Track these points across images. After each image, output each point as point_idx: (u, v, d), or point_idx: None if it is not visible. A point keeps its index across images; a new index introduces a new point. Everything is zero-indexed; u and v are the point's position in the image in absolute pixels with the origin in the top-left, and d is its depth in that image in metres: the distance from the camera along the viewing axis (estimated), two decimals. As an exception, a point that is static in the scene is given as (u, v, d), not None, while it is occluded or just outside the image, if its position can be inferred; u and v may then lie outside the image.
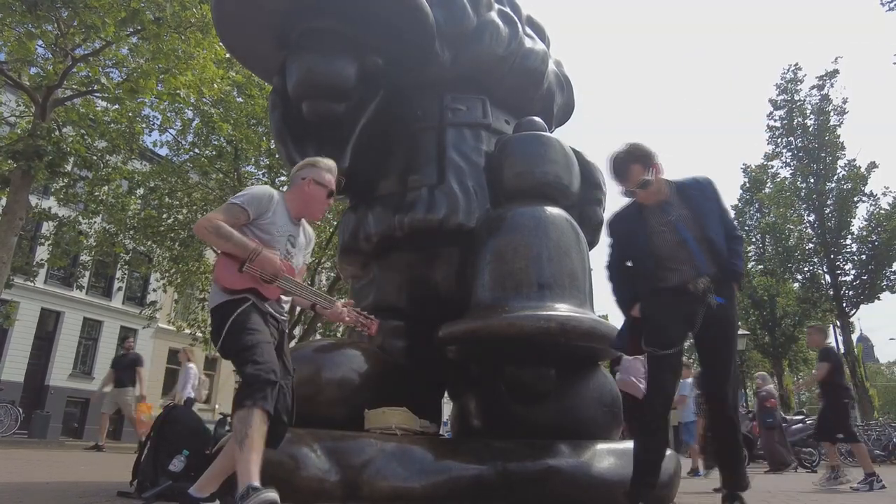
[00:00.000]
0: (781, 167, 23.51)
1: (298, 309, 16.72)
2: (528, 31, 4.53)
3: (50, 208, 13.31)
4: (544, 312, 3.20)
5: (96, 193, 13.49)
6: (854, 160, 21.35)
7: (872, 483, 5.46)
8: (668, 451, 3.44)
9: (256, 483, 1.99)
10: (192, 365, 9.56)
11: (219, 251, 2.49)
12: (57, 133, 10.94)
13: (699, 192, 2.91)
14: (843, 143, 21.58)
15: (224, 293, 2.39)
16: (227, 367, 25.96)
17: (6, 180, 10.63)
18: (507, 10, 4.37)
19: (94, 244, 14.98)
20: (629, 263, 3.03)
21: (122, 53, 11.22)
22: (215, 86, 11.39)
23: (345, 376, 3.24)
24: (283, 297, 2.53)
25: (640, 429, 2.87)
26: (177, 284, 16.39)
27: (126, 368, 9.98)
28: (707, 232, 2.81)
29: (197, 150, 15.42)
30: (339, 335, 18.17)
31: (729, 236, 2.86)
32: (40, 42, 10.19)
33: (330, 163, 2.81)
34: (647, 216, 2.90)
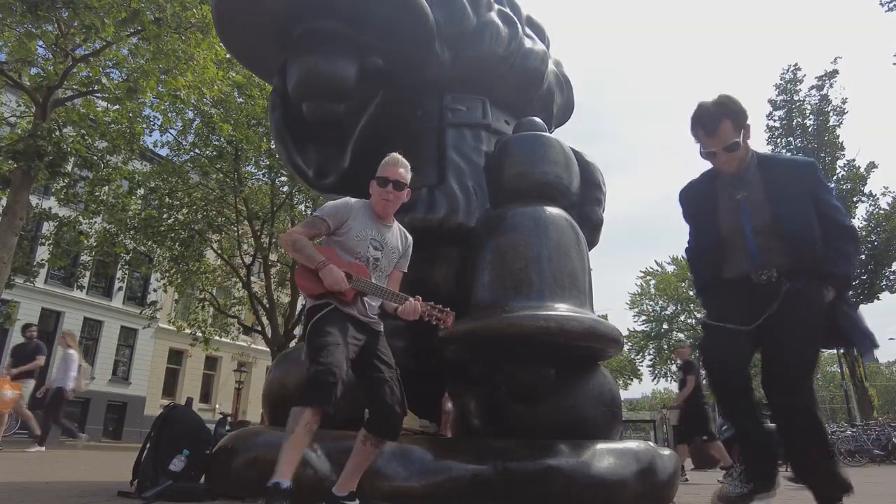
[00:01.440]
0: (781, 167, 23.51)
1: (298, 308, 16.74)
2: (528, 31, 4.54)
3: (50, 208, 13.34)
4: (544, 312, 3.21)
5: (97, 193, 13.52)
6: (853, 160, 21.38)
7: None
8: (668, 451, 3.47)
9: (285, 483, 2.10)
10: (72, 351, 8.87)
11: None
12: (57, 133, 10.96)
13: (787, 172, 2.44)
14: (842, 144, 21.62)
15: (311, 298, 2.53)
16: (227, 367, 25.98)
17: (7, 180, 10.65)
18: (507, 10, 4.38)
19: (95, 244, 15.00)
20: (698, 242, 2.67)
21: (122, 54, 11.24)
22: (215, 86, 11.41)
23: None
24: (367, 299, 2.59)
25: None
26: (177, 284, 16.41)
27: (26, 359, 8.81)
28: (777, 221, 2.36)
29: (197, 151, 15.46)
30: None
31: (830, 229, 2.38)
32: (41, 42, 10.22)
33: (390, 157, 2.87)
34: (720, 189, 2.52)
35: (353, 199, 2.76)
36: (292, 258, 17.28)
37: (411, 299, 2.57)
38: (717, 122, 2.38)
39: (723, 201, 2.50)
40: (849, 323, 2.33)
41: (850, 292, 2.45)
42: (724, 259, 2.48)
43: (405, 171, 2.80)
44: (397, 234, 2.82)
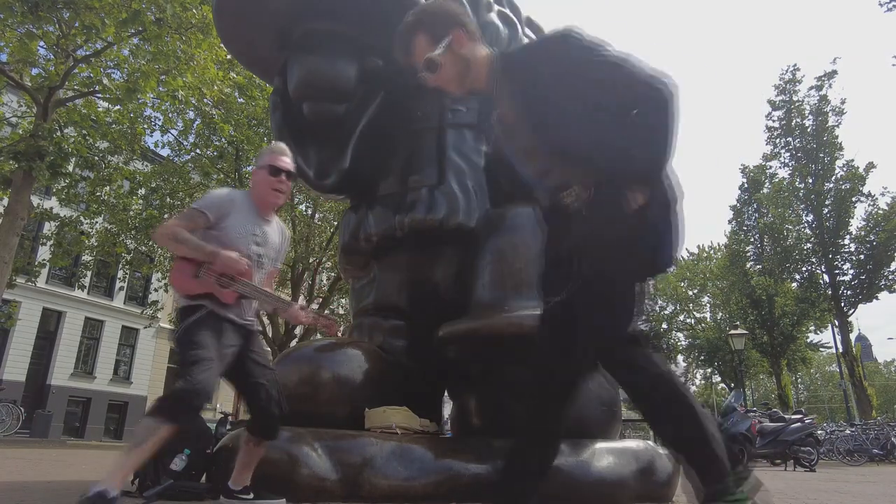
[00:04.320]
0: (780, 167, 23.62)
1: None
2: (528, 32, 4.55)
3: (52, 208, 13.37)
4: (543, 312, 3.22)
5: (98, 194, 13.54)
6: (852, 160, 21.46)
7: None
8: (667, 450, 3.48)
9: (113, 493, 1.98)
10: None
11: (176, 256, 2.48)
12: (58, 134, 10.98)
13: (534, 63, 1.78)
14: (841, 144, 21.68)
15: (187, 298, 2.41)
16: (227, 367, 25.98)
17: (8, 181, 10.67)
18: (507, 11, 4.40)
19: (96, 244, 15.02)
20: None
21: (123, 54, 11.25)
22: (216, 87, 11.42)
23: (346, 375, 3.27)
24: (244, 300, 2.50)
25: None
26: (178, 284, 16.40)
27: None
28: (540, 137, 1.77)
29: (198, 151, 15.47)
30: (339, 334, 18.19)
31: (629, 105, 1.72)
32: (42, 43, 10.23)
33: (272, 145, 2.76)
34: (491, 106, 2.00)
35: (235, 192, 2.63)
36: (291, 258, 16.96)
37: (296, 305, 2.56)
38: (409, 36, 1.86)
39: (493, 123, 1.96)
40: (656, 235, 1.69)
41: (664, 183, 1.69)
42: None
43: (291, 161, 2.70)
44: (276, 230, 2.71)
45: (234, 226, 2.50)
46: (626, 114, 1.71)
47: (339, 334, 2.63)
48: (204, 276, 2.38)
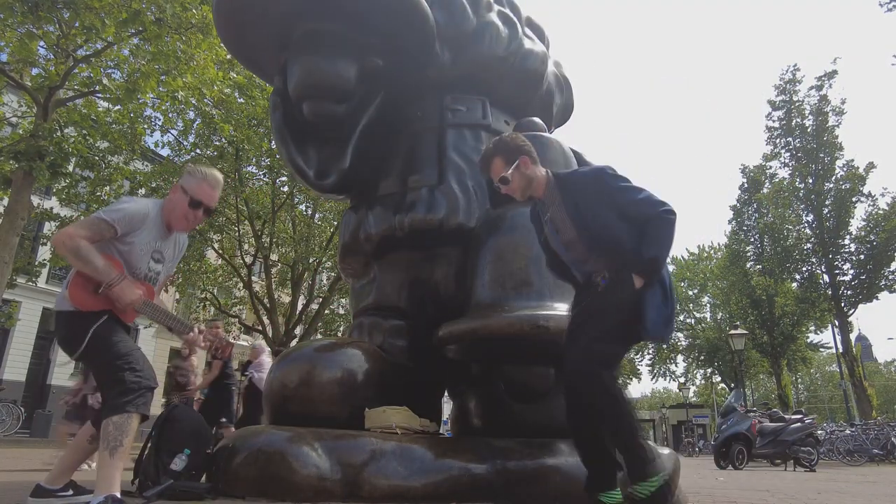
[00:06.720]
0: (780, 167, 23.64)
1: (299, 308, 16.75)
2: (528, 32, 4.56)
3: (52, 208, 13.35)
4: (543, 312, 3.22)
5: (98, 194, 13.52)
6: (852, 160, 21.45)
7: None
8: (667, 450, 3.48)
9: (119, 494, 2.09)
10: None
11: (76, 270, 2.45)
12: (59, 133, 10.96)
13: (581, 187, 2.54)
14: (841, 144, 21.69)
15: (84, 308, 2.42)
16: (227, 367, 25.95)
17: (8, 181, 10.66)
18: (507, 11, 4.40)
19: (96, 244, 14.97)
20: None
21: (123, 54, 11.25)
22: (216, 87, 11.40)
23: (346, 375, 3.27)
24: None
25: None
26: (178, 284, 16.43)
27: None
28: (581, 235, 2.51)
29: (198, 151, 15.47)
30: (339, 334, 18.20)
31: (642, 224, 2.44)
32: (42, 43, 10.22)
33: (209, 173, 2.66)
34: (540, 210, 2.71)
35: (151, 207, 2.56)
36: (291, 258, 16.95)
37: (195, 329, 2.62)
38: (489, 159, 2.60)
39: (543, 222, 2.69)
40: (643, 304, 2.38)
41: (657, 274, 2.42)
42: (567, 269, 2.70)
43: (218, 193, 2.68)
44: (174, 241, 2.74)
45: (140, 243, 2.49)
46: (641, 226, 2.43)
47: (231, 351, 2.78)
48: (105, 292, 2.40)
